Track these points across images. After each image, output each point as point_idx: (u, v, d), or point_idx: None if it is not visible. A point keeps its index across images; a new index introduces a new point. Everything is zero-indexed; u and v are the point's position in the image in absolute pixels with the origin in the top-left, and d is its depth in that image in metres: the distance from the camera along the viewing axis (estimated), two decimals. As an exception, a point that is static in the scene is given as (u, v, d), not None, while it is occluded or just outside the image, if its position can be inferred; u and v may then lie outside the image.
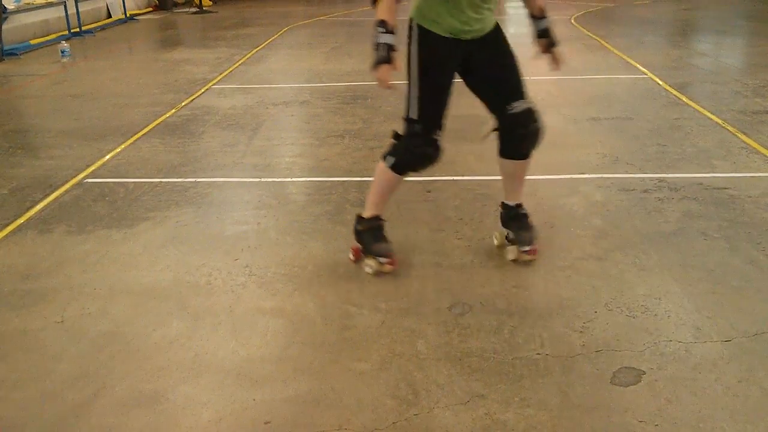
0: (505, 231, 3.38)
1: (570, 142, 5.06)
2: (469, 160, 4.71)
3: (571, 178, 4.32)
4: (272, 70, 8.48)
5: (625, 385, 2.39)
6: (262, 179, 4.51)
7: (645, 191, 4.07)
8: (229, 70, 8.22)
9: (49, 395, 2.44)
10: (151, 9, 15.66)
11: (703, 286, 3.02)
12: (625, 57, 8.28)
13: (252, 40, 10.71)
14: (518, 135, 3.08)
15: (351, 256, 3.34)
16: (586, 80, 7.17)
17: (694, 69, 7.69)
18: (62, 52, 9.18)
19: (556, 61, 3.17)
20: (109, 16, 13.76)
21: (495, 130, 3.12)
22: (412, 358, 2.59)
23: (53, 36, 11.10)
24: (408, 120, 3.04)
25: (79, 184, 4.51)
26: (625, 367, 2.49)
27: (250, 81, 7.64)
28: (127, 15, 13.79)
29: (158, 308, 2.99)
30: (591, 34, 10.25)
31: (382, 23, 2.88)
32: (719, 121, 5.40)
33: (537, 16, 3.12)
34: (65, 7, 11.36)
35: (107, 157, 5.03)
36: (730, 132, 5.13)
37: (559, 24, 11.71)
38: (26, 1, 10.88)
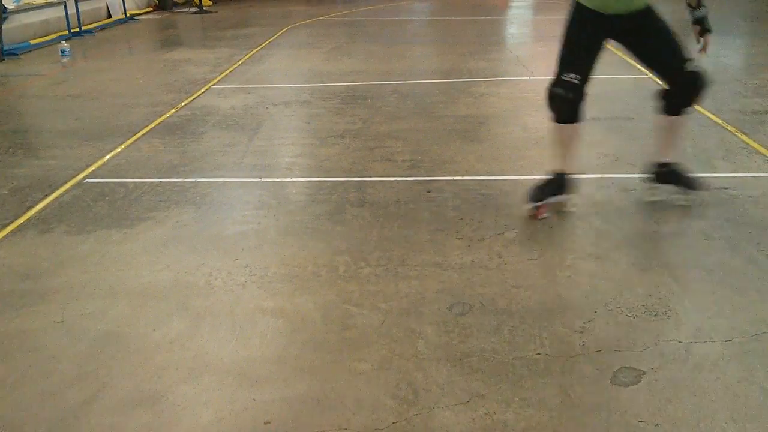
0: (661, 186, 3.86)
1: (570, 142, 5.05)
2: (469, 160, 4.72)
3: (571, 178, 4.31)
4: (272, 70, 8.48)
5: (625, 385, 2.39)
6: (262, 179, 4.51)
7: (645, 191, 4.07)
8: (229, 70, 8.22)
9: (49, 395, 2.44)
10: (151, 9, 15.66)
11: (703, 286, 3.02)
12: (625, 57, 8.27)
13: (252, 40, 10.71)
14: (695, 89, 3.59)
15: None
16: (586, 80, 7.15)
17: (694, 69, 7.67)
18: (62, 52, 9.17)
19: (705, 46, 3.68)
20: (109, 16, 13.76)
21: (670, 89, 3.64)
22: (412, 358, 2.59)
23: (53, 36, 11.09)
24: (554, 74, 3.61)
25: (79, 184, 4.51)
26: (625, 367, 2.49)
27: (250, 81, 7.64)
28: (127, 15, 13.79)
29: (158, 308, 2.99)
30: (591, 34, 10.23)
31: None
32: (719, 121, 5.40)
33: (693, 6, 3.63)
34: (65, 7, 11.36)
35: (107, 157, 5.03)
36: (730, 132, 5.13)
37: (559, 24, 11.69)
38: (26, 1, 10.87)
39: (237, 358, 2.63)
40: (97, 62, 9.32)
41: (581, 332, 2.70)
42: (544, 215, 3.72)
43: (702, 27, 3.62)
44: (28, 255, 3.53)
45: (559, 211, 3.77)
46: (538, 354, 2.58)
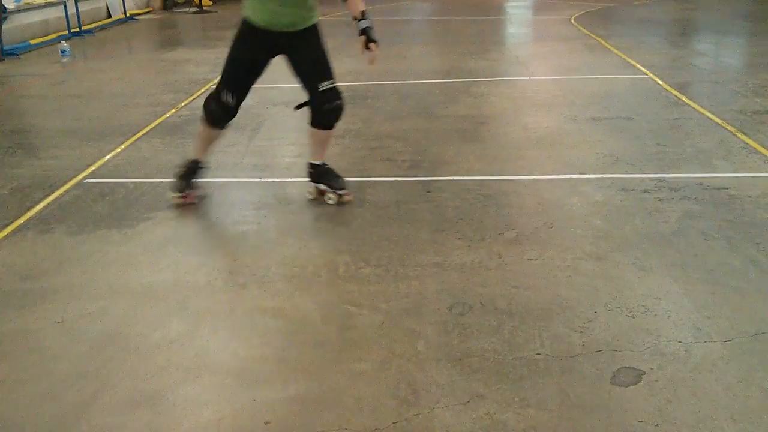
0: (316, 185, 4.12)
1: (570, 142, 5.06)
2: (470, 160, 4.72)
3: (571, 178, 4.32)
4: (272, 70, 8.45)
5: (625, 385, 2.39)
6: (262, 179, 4.51)
7: (645, 191, 4.07)
8: (229, 70, 8.20)
9: (49, 395, 2.44)
10: (150, 9, 15.65)
11: (703, 286, 3.02)
12: (625, 57, 8.28)
13: (252, 40, 10.69)
14: (325, 109, 3.86)
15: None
16: (586, 80, 7.17)
17: (694, 69, 7.69)
18: (62, 52, 9.18)
19: (371, 57, 3.73)
20: (109, 16, 13.75)
21: (306, 104, 3.91)
22: (412, 358, 2.59)
23: (53, 36, 11.08)
24: (216, 85, 3.94)
25: (79, 184, 4.51)
26: (625, 367, 2.49)
27: (250, 81, 7.61)
28: (127, 15, 13.79)
29: (158, 308, 2.99)
30: (591, 34, 10.25)
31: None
32: (719, 121, 5.40)
33: (358, 18, 3.70)
34: (65, 7, 11.35)
35: (107, 157, 5.03)
36: (730, 132, 5.13)
37: (559, 24, 11.72)
38: (26, 1, 10.87)
39: (237, 358, 2.63)
40: (97, 62, 9.32)
41: (581, 332, 2.70)
42: (193, 201, 4.08)
43: (367, 37, 3.67)
44: (28, 255, 3.53)
45: (203, 196, 4.19)
46: (538, 354, 2.58)
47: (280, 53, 3.85)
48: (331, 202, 4.05)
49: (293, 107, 4.04)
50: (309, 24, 3.81)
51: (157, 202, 4.16)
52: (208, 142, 4.14)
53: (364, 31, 3.67)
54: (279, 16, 3.70)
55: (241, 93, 3.93)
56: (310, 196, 4.15)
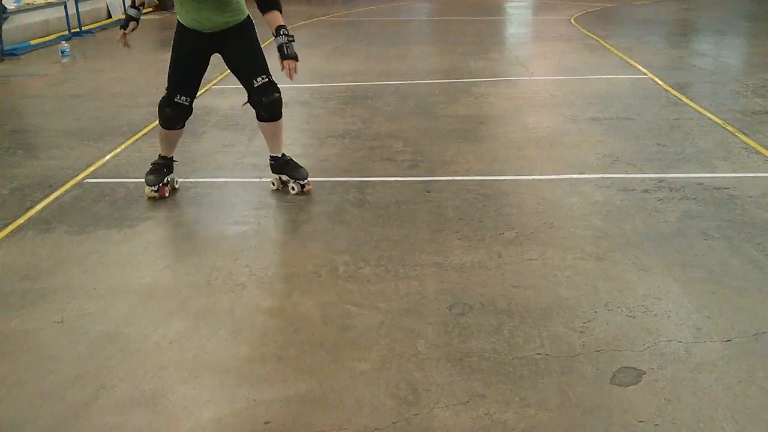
0: (278, 176, 4.29)
1: (570, 142, 5.06)
2: (469, 160, 4.72)
3: (571, 178, 4.32)
4: (272, 70, 8.46)
5: (625, 385, 2.39)
6: (262, 179, 4.50)
7: (645, 191, 4.07)
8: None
9: (49, 395, 2.44)
10: (151, 9, 15.65)
11: (703, 286, 3.02)
12: (625, 57, 8.28)
13: (252, 40, 10.68)
14: (264, 103, 4.03)
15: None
16: (586, 80, 7.17)
17: (694, 69, 7.69)
18: (62, 52, 9.18)
19: (287, 72, 3.78)
20: (109, 16, 13.76)
21: (249, 101, 4.08)
22: (412, 358, 2.59)
23: (53, 36, 11.09)
24: (166, 89, 4.09)
25: (79, 184, 4.51)
26: (625, 367, 2.49)
27: (250, 81, 7.61)
28: (127, 15, 13.79)
29: (158, 308, 2.99)
30: (591, 34, 10.25)
31: (132, 1, 4.24)
32: (719, 121, 5.40)
33: (274, 35, 3.82)
34: (65, 7, 11.36)
35: (107, 157, 5.03)
36: (730, 132, 5.14)
37: (559, 24, 11.72)
38: (26, 1, 10.87)
39: (237, 358, 2.63)
40: (97, 62, 9.32)
41: (581, 332, 2.70)
42: (166, 194, 4.21)
43: (281, 54, 3.76)
44: (28, 255, 3.53)
45: (172, 187, 4.31)
46: (538, 354, 2.58)
47: (216, 51, 4.04)
48: (293, 192, 4.20)
49: (241, 105, 4.25)
50: (235, 24, 3.96)
51: (157, 202, 4.16)
52: (170, 142, 4.28)
53: (279, 49, 3.77)
54: (200, 20, 3.89)
55: (191, 91, 4.08)
56: (274, 187, 4.29)
